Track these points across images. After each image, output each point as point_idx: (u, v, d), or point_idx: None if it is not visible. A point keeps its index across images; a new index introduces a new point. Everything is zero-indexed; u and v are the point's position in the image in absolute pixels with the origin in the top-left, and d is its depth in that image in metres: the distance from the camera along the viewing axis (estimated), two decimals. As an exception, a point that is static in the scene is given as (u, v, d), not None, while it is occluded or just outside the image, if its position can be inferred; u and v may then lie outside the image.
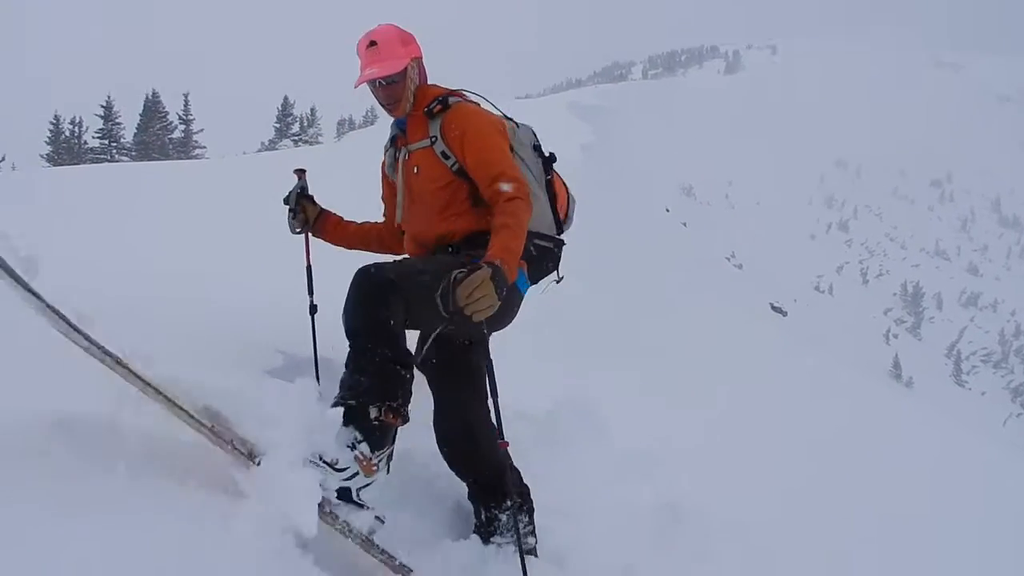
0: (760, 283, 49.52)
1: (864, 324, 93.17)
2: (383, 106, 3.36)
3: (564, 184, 3.68)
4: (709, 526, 4.15)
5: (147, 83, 48.73)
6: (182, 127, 47.02)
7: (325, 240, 3.91)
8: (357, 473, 2.75)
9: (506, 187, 3.00)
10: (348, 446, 2.77)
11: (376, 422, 2.79)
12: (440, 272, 2.91)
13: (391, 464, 2.92)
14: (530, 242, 3.18)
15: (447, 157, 3.18)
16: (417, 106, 3.34)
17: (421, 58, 3.40)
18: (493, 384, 2.98)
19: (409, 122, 3.35)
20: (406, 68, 3.27)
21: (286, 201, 3.83)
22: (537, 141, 3.51)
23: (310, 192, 3.89)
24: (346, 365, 2.90)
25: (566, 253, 3.64)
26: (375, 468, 2.80)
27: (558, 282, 3.65)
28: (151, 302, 4.20)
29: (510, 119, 3.48)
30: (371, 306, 2.85)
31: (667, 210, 31.73)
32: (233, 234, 6.49)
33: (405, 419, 2.90)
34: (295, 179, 3.88)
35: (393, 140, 3.51)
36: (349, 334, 2.90)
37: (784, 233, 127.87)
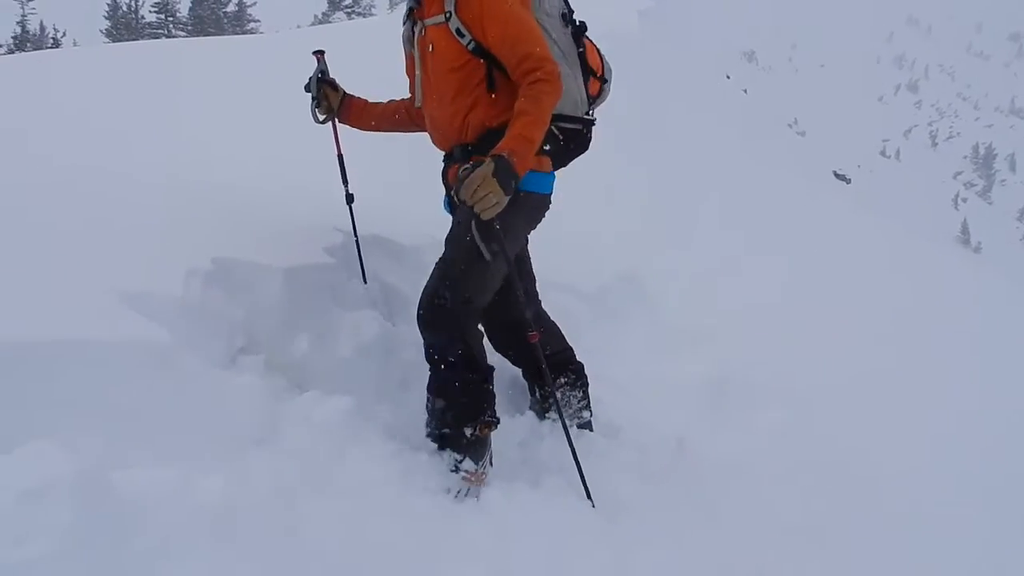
0: (823, 150, 48.11)
1: (932, 189, 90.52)
2: None
3: (599, 54, 3.32)
4: (762, 399, 4.16)
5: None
6: (235, 0, 46.60)
7: (352, 126, 3.61)
8: (470, 488, 2.81)
9: (533, 69, 2.71)
10: (452, 470, 2.81)
11: (473, 438, 2.84)
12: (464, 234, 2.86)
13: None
14: (555, 125, 2.95)
15: (462, 35, 2.86)
16: None
17: None
18: (524, 280, 2.92)
19: None
20: None
21: (307, 88, 3.52)
22: (566, 9, 3.15)
23: (331, 76, 3.56)
24: (428, 388, 2.93)
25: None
26: (484, 475, 2.86)
27: None
28: (197, 184, 4.19)
29: None
30: (440, 331, 2.85)
31: (727, 77, 30.60)
32: (286, 115, 6.43)
33: (497, 422, 2.93)
34: (314, 62, 3.56)
35: (409, 12, 3.17)
36: (426, 357, 2.92)
37: (849, 97, 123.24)
